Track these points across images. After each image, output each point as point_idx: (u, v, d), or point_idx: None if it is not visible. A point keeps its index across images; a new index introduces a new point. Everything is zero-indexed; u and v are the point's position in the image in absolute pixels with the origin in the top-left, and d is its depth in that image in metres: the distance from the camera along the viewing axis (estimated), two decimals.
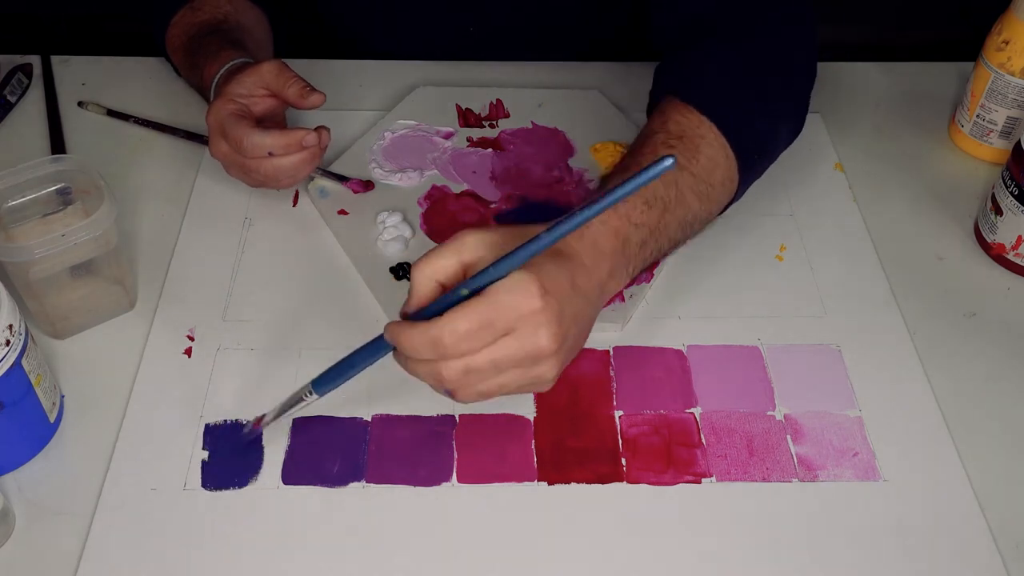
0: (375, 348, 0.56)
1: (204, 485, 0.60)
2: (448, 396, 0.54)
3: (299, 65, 0.94)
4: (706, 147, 0.67)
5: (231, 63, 0.76)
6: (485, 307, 0.50)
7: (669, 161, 0.47)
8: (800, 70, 0.74)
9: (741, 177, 0.69)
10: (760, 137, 0.70)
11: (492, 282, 0.51)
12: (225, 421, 0.63)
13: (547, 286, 0.52)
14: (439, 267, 0.53)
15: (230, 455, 0.61)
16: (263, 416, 0.61)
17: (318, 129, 0.72)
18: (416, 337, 0.51)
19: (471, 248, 0.53)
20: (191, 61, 0.82)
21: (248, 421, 0.62)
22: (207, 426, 0.63)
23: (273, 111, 0.75)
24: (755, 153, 0.70)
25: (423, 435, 0.63)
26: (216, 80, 0.76)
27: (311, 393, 0.58)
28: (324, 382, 0.58)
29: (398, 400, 0.65)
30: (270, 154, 0.71)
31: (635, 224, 0.61)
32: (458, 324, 0.50)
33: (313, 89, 0.73)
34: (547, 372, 0.54)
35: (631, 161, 0.66)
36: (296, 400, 0.59)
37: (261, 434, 0.62)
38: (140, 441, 0.62)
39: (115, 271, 0.68)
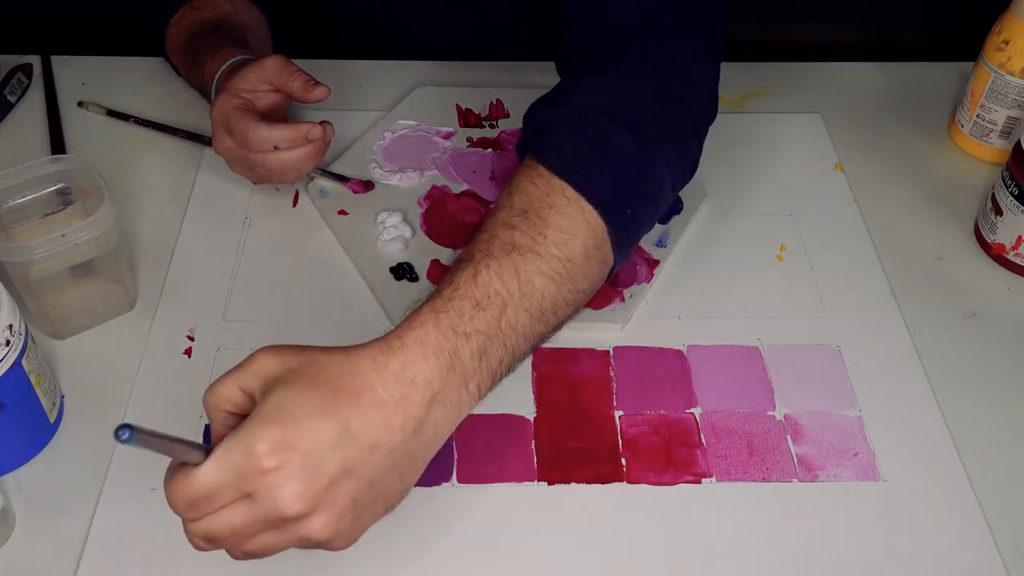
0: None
1: None
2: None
3: (300, 64, 0.94)
4: (556, 217, 0.56)
5: (232, 60, 0.76)
6: (206, 475, 0.45)
7: (124, 435, 0.41)
8: (694, 109, 0.66)
9: (615, 239, 0.59)
10: (630, 188, 0.60)
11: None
12: None
13: (291, 439, 0.45)
14: (223, 399, 0.49)
15: None
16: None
17: (322, 123, 0.72)
18: (168, 492, 0.47)
19: (252, 373, 0.48)
20: (192, 59, 0.82)
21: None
22: (207, 426, 0.63)
23: (276, 106, 0.75)
24: (627, 208, 0.60)
25: None
26: (217, 77, 0.76)
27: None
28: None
29: None
30: (276, 148, 0.71)
31: (464, 334, 0.51)
32: (182, 491, 0.45)
33: (317, 82, 0.73)
34: (316, 533, 0.47)
35: (464, 254, 0.56)
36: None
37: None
38: None
39: (115, 271, 0.68)
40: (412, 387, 0.49)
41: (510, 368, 0.55)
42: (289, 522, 0.46)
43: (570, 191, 0.57)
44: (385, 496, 0.50)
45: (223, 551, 0.49)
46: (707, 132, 0.67)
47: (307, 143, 0.71)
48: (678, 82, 0.64)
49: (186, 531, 0.48)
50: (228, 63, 0.76)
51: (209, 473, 0.45)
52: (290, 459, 0.45)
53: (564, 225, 0.57)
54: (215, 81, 0.76)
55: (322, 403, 0.47)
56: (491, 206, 0.71)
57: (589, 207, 0.57)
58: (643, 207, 0.62)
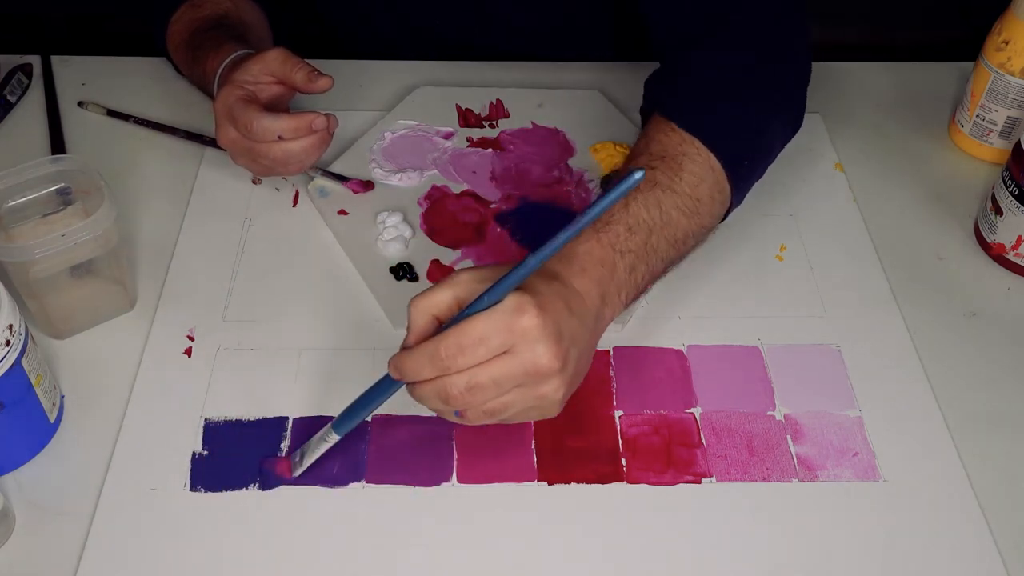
0: (385, 385, 0.56)
1: (204, 485, 0.60)
2: (459, 419, 0.54)
3: None
4: (688, 163, 0.66)
5: (234, 55, 0.77)
6: (481, 323, 0.51)
7: (639, 175, 0.48)
8: (792, 67, 0.73)
9: (733, 186, 0.68)
10: (748, 143, 0.69)
11: (488, 307, 0.51)
12: (225, 420, 0.63)
13: (542, 304, 0.52)
14: (434, 302, 0.54)
15: (230, 455, 0.61)
16: (287, 461, 0.61)
17: (326, 115, 0.72)
18: (415, 356, 0.52)
19: (464, 284, 0.54)
20: (193, 55, 0.82)
21: (268, 462, 0.61)
22: (206, 423, 0.63)
23: (279, 98, 0.75)
24: (744, 160, 0.69)
25: (423, 435, 0.63)
26: (220, 72, 0.76)
27: (331, 434, 0.59)
28: (343, 424, 0.58)
29: (398, 400, 0.65)
30: (280, 138, 0.71)
31: (620, 251, 0.60)
32: (454, 338, 0.51)
33: (320, 73, 0.73)
34: (552, 393, 0.54)
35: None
36: (319, 443, 0.59)
37: (283, 482, 0.60)
38: (140, 441, 0.62)
39: (115, 271, 0.68)
40: (592, 284, 0.58)
41: (647, 286, 0.64)
42: (539, 379, 0.53)
43: (699, 144, 0.66)
44: (582, 373, 0.57)
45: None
46: (808, 81, 0.74)
47: (311, 133, 0.71)
48: (773, 42, 0.72)
49: (443, 386, 0.52)
50: (231, 58, 0.76)
51: (483, 321, 0.51)
52: (545, 321, 0.52)
53: (695, 170, 0.66)
54: (218, 76, 0.77)
55: (548, 282, 0.55)
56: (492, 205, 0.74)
57: (714, 158, 0.66)
58: (758, 160, 0.72)
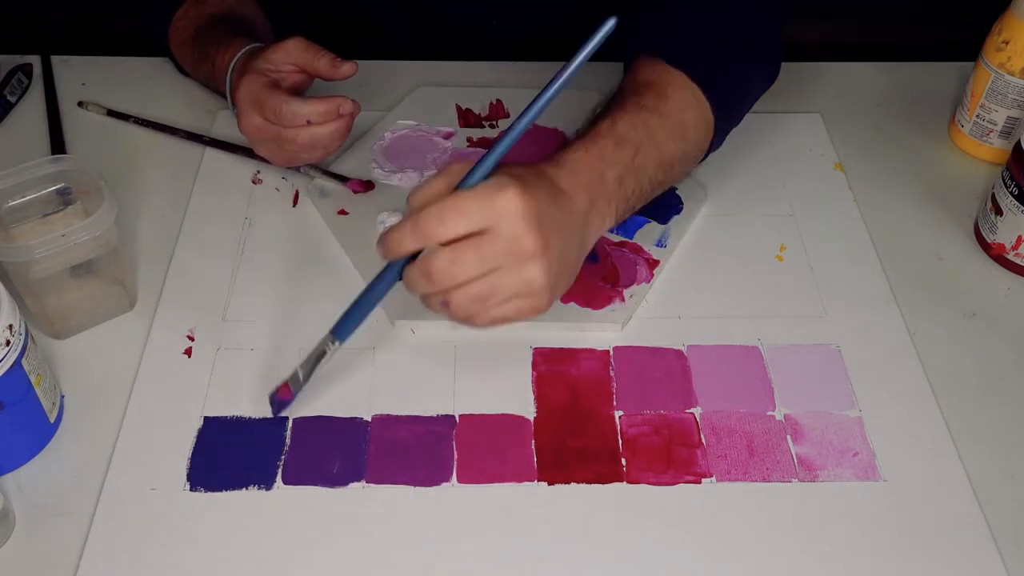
0: (384, 279, 0.58)
1: (204, 485, 0.60)
2: (445, 311, 0.56)
3: None
4: (674, 91, 0.68)
5: (247, 47, 0.77)
6: (462, 196, 0.53)
7: (611, 22, 0.51)
8: (773, 20, 0.76)
9: (717, 118, 0.70)
10: (733, 85, 0.72)
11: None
12: (226, 420, 0.63)
13: (525, 187, 0.54)
14: (430, 192, 0.55)
15: (230, 455, 0.61)
16: (286, 383, 0.62)
17: (352, 100, 0.73)
18: (398, 228, 0.54)
19: (457, 173, 0.56)
20: (200, 51, 0.82)
21: (272, 393, 0.63)
22: (207, 425, 0.63)
23: (299, 87, 0.76)
24: (727, 93, 0.71)
25: (423, 435, 0.63)
26: (233, 64, 0.77)
27: (333, 343, 0.59)
28: (344, 328, 0.59)
29: (398, 400, 0.65)
30: (308, 123, 0.71)
31: (608, 162, 0.62)
32: (436, 209, 0.53)
33: (343, 60, 0.74)
34: (537, 277, 0.55)
35: (601, 112, 0.67)
36: (319, 355, 0.60)
37: (290, 403, 0.63)
38: (140, 441, 0.62)
39: (115, 271, 0.68)
40: (579, 186, 0.60)
41: (636, 205, 0.66)
42: (521, 258, 0.54)
43: (685, 77, 0.69)
44: (569, 272, 0.59)
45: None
46: (781, 32, 0.77)
47: (339, 117, 0.72)
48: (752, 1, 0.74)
49: (427, 260, 0.54)
50: (244, 50, 0.77)
51: (464, 195, 0.53)
52: (527, 204, 0.54)
53: (681, 97, 0.68)
54: (230, 69, 0.77)
55: (535, 173, 0.58)
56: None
57: (700, 92, 0.69)
58: (740, 104, 0.75)
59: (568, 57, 0.55)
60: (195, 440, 0.62)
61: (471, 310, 0.55)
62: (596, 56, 0.96)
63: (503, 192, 0.53)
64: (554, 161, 0.61)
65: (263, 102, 0.71)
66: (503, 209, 0.53)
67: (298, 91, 0.76)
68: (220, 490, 0.60)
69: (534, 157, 0.82)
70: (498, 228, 0.53)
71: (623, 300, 0.71)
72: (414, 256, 0.56)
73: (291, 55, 0.74)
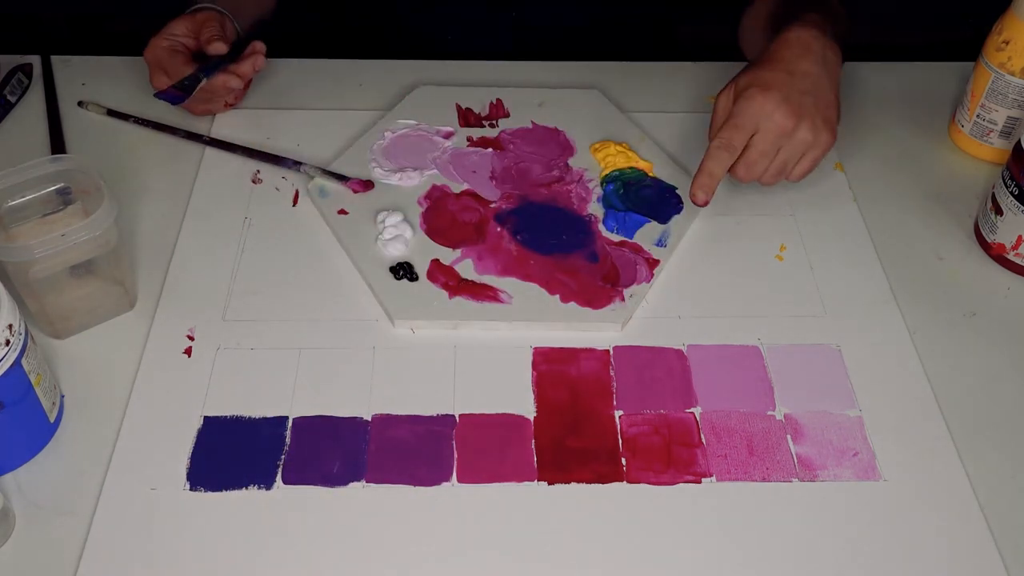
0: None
1: (204, 485, 0.60)
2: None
3: (300, 64, 0.94)
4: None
5: (193, 7, 0.85)
6: (727, 126, 0.72)
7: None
8: None
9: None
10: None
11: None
12: (226, 420, 0.63)
13: (766, 87, 0.71)
14: (717, 121, 0.75)
15: (230, 455, 0.61)
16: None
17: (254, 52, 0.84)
18: (715, 155, 0.72)
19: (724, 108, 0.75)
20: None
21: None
22: (207, 425, 0.63)
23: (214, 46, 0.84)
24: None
25: (423, 435, 0.63)
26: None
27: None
28: None
29: (398, 400, 0.65)
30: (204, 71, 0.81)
31: (820, 27, 0.76)
32: (726, 132, 0.72)
33: (220, 41, 0.83)
34: (809, 134, 0.72)
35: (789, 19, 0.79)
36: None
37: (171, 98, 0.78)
38: (140, 441, 0.62)
39: (115, 271, 0.68)
40: (812, 42, 0.75)
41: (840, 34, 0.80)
42: (789, 134, 0.71)
43: None
44: (827, 106, 0.74)
45: None
46: None
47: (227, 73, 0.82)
48: None
49: (734, 170, 0.73)
50: (190, 9, 0.85)
51: (731, 121, 0.72)
52: (770, 96, 0.71)
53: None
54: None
55: (764, 68, 0.74)
56: (492, 205, 0.76)
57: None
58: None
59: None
60: (195, 440, 0.62)
61: (777, 179, 0.74)
62: (597, 56, 0.97)
63: (752, 103, 0.71)
64: (782, 35, 0.76)
65: (166, 65, 0.82)
66: (758, 114, 0.71)
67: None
68: (220, 490, 0.60)
69: (534, 156, 0.82)
70: (762, 128, 0.71)
71: (623, 300, 0.71)
72: None
73: (180, 27, 0.84)
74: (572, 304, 0.70)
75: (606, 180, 0.80)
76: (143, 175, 0.82)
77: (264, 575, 0.56)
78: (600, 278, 0.72)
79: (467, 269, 0.72)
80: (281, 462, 0.61)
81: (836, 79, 0.76)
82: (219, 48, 0.82)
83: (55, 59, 0.93)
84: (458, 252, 0.74)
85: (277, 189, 0.80)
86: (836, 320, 0.71)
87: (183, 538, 0.57)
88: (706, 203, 0.73)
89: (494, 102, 0.88)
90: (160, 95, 0.80)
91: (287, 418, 0.63)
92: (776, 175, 0.73)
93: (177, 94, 0.80)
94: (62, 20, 1.17)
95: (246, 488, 0.60)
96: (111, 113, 0.87)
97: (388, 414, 0.64)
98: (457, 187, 0.80)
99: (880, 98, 0.93)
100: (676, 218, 0.77)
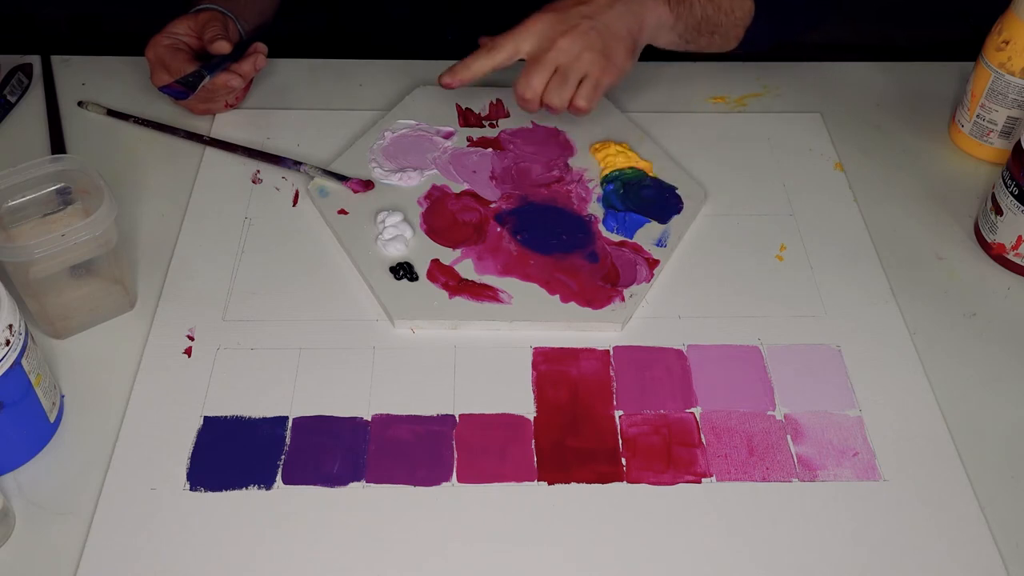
0: None
1: (204, 485, 0.60)
2: (555, 112, 0.77)
3: (300, 64, 0.94)
4: None
5: (196, 7, 0.85)
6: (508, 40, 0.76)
7: None
8: None
9: (757, 5, 0.82)
10: None
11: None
12: (226, 420, 0.63)
13: (541, 12, 0.75)
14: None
15: (230, 455, 0.61)
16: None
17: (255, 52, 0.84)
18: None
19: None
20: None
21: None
22: (207, 425, 0.63)
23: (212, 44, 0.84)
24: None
25: (423, 435, 0.63)
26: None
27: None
28: None
29: (398, 400, 0.65)
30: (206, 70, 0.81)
31: None
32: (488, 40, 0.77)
33: (223, 40, 0.83)
34: (590, 32, 0.74)
35: None
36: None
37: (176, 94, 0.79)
38: (140, 441, 0.62)
39: (115, 271, 0.68)
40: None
41: (690, 23, 0.81)
42: (567, 53, 0.74)
43: None
44: (615, 39, 0.75)
45: None
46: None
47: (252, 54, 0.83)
48: None
49: (521, 92, 0.76)
50: (194, 9, 0.85)
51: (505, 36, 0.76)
52: (538, 20, 0.75)
53: None
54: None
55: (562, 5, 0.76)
56: (492, 205, 0.78)
57: None
58: (781, 13, 0.85)
59: None
60: (195, 440, 0.62)
61: (565, 103, 0.76)
62: None
63: (530, 19, 0.75)
64: None
65: (167, 63, 0.81)
66: (529, 32, 0.74)
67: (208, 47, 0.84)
68: (220, 490, 0.60)
69: (535, 156, 0.82)
70: (539, 45, 0.74)
71: (623, 300, 0.71)
72: None
73: (182, 26, 0.84)
74: (572, 304, 0.70)
75: (606, 180, 0.80)
76: (143, 175, 0.82)
77: (264, 575, 0.56)
78: (600, 278, 0.72)
79: (467, 269, 0.72)
80: (281, 462, 0.61)
81: (639, 18, 0.77)
82: (222, 47, 0.82)
83: (55, 59, 0.93)
84: (458, 252, 0.74)
85: (277, 189, 0.80)
86: (836, 320, 0.71)
87: (183, 538, 0.57)
88: (449, 86, 0.77)
89: (494, 102, 0.88)
90: (164, 89, 0.80)
91: (287, 418, 0.63)
92: (558, 98, 0.75)
93: (181, 89, 0.80)
94: (62, 20, 1.17)
95: (246, 488, 0.60)
96: (111, 113, 0.87)
97: (388, 414, 0.64)
98: (457, 187, 0.80)
99: (880, 98, 0.93)
100: (676, 218, 0.77)
